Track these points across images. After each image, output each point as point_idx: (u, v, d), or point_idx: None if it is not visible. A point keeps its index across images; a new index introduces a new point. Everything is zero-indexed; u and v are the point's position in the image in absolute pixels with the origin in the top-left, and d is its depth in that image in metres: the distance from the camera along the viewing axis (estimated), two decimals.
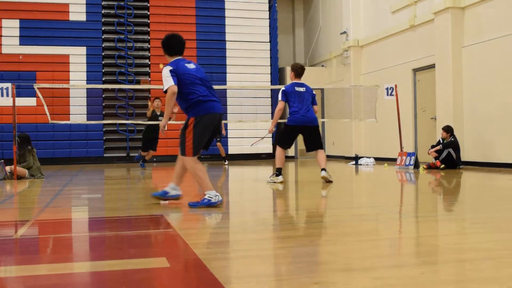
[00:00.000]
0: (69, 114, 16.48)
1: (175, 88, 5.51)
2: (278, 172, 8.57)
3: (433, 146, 11.44)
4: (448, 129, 11.28)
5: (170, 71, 5.58)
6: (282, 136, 8.87)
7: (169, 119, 5.79)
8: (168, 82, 5.52)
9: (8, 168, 10.12)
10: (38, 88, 11.89)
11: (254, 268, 3.01)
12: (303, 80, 8.68)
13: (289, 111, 8.55)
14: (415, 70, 13.85)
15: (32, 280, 2.79)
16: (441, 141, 11.37)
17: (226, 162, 14.73)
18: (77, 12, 16.98)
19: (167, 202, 5.86)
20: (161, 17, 17.62)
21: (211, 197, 5.45)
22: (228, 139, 17.59)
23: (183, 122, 5.76)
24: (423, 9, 13.35)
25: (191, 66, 5.85)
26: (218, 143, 14.42)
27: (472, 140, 11.79)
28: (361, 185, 9.37)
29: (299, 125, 8.50)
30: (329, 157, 18.30)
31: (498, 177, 9.10)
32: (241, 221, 4.97)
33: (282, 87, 8.64)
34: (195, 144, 5.50)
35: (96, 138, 16.89)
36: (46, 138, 16.25)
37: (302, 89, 8.46)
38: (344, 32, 16.93)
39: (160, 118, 13.50)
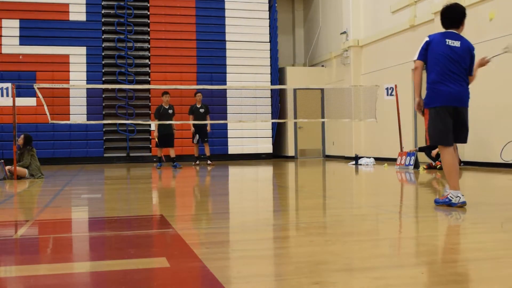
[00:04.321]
0: (69, 114, 16.48)
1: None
2: None
3: (426, 148, 11.55)
4: None
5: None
6: None
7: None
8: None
9: (7, 168, 10.12)
10: (38, 88, 11.89)
11: (254, 268, 3.01)
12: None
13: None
14: None
15: (32, 280, 2.79)
16: None
17: (209, 162, 14.83)
18: (77, 12, 16.98)
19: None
20: (161, 17, 17.62)
21: (452, 198, 5.17)
22: (228, 139, 17.61)
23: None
24: (423, 9, 13.34)
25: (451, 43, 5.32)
26: (206, 143, 14.75)
27: (472, 140, 11.75)
28: (361, 185, 9.36)
29: None
30: (329, 157, 18.31)
31: (498, 177, 9.10)
32: (241, 221, 4.97)
33: None
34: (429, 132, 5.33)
35: (96, 138, 16.89)
36: (46, 138, 16.26)
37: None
38: (344, 32, 16.92)
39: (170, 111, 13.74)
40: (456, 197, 5.16)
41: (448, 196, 5.22)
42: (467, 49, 5.35)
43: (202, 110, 14.48)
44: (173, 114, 13.86)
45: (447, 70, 5.29)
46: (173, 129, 13.96)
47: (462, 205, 5.16)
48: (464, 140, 5.48)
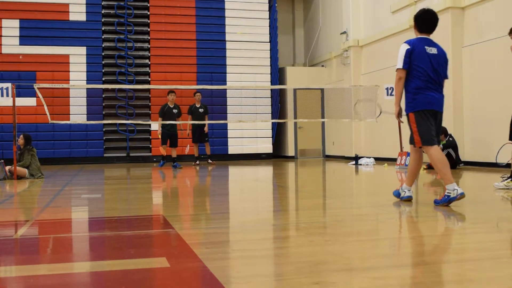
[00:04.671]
0: (69, 114, 16.48)
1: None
2: None
3: None
4: (443, 131, 11.29)
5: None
6: None
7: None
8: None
9: (8, 168, 10.12)
10: (38, 88, 11.88)
11: (254, 268, 3.01)
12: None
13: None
14: None
15: (32, 280, 2.79)
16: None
17: (210, 161, 15.01)
18: (77, 12, 16.98)
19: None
20: (161, 17, 17.62)
21: (450, 192, 5.26)
22: (228, 139, 17.60)
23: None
24: None
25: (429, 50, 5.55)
26: (206, 142, 14.96)
27: (472, 140, 11.79)
28: (361, 185, 9.36)
29: None
30: (329, 157, 18.31)
31: (498, 177, 9.09)
32: (241, 221, 4.97)
33: None
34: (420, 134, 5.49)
35: (96, 138, 16.89)
36: (46, 138, 16.25)
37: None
38: (344, 32, 16.92)
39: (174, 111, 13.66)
40: (453, 190, 5.24)
41: (446, 193, 5.29)
42: (444, 56, 5.57)
43: (201, 110, 14.56)
44: (178, 114, 13.75)
45: (429, 78, 5.43)
46: (178, 130, 13.92)
47: (461, 197, 5.22)
48: (439, 142, 5.63)
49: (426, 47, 5.47)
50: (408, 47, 5.48)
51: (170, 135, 13.75)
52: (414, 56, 5.44)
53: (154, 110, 17.11)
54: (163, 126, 13.73)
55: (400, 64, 5.50)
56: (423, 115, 5.43)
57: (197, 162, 14.92)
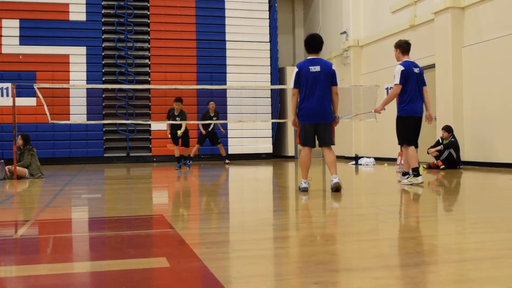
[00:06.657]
0: (69, 114, 16.49)
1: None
2: (416, 172, 7.75)
3: (432, 147, 11.45)
4: (448, 129, 11.31)
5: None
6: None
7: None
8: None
9: (7, 167, 10.12)
10: (38, 88, 11.88)
11: (254, 268, 3.01)
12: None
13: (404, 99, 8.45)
14: None
15: (32, 280, 2.79)
16: (441, 141, 11.39)
17: (227, 161, 14.97)
18: (77, 12, 16.99)
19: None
20: (161, 17, 17.63)
21: (301, 184, 6.93)
22: (228, 139, 17.60)
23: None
24: (423, 9, 13.34)
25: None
26: (219, 144, 14.91)
27: (472, 140, 11.79)
28: (361, 185, 9.36)
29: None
30: None
31: (498, 177, 9.10)
32: (241, 221, 4.97)
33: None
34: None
35: (96, 138, 16.90)
36: (46, 138, 16.26)
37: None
38: (344, 32, 16.92)
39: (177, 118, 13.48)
40: (305, 183, 6.88)
41: (300, 183, 6.91)
42: (327, 70, 6.68)
43: (215, 119, 14.58)
44: (182, 120, 13.33)
45: (311, 92, 6.64)
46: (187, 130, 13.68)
47: (304, 190, 6.81)
48: (329, 143, 6.87)
49: (310, 67, 6.69)
50: (297, 69, 6.77)
51: (181, 136, 13.50)
52: (300, 75, 6.71)
53: (154, 110, 17.13)
54: (171, 127, 13.56)
55: (291, 84, 6.85)
56: (303, 126, 6.80)
57: (190, 162, 14.81)
